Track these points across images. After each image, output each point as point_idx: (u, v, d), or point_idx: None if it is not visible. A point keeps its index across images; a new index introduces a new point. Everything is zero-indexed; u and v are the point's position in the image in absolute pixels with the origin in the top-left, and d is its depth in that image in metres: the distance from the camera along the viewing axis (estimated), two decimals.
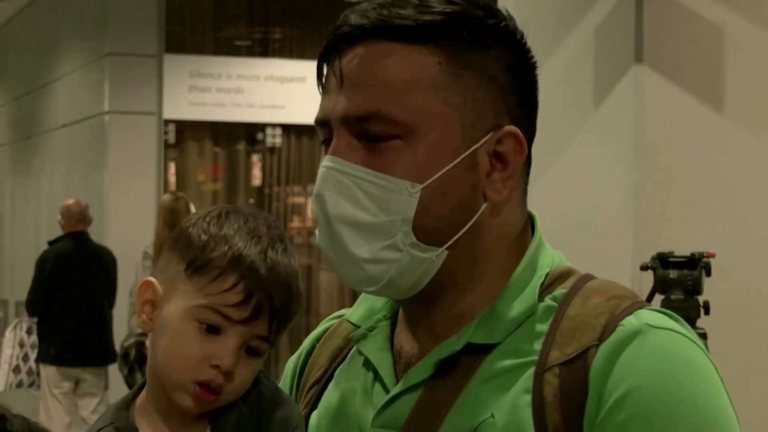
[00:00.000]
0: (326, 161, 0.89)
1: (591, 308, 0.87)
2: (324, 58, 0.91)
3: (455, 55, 0.88)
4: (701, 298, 2.55)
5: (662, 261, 2.57)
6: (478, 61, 0.89)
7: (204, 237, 0.97)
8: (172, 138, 7.51)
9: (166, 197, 4.97)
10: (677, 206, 2.92)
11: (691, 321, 2.52)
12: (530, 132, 0.93)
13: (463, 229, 0.89)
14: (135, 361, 4.80)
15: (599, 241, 2.98)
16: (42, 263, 5.32)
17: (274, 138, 7.81)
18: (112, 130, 7.06)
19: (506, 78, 0.90)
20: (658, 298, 2.55)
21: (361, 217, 0.87)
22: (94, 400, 5.32)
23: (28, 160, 9.16)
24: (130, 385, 4.86)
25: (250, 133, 7.90)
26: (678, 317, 0.88)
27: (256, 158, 7.95)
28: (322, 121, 0.91)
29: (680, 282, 2.54)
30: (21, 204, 9.04)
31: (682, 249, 2.60)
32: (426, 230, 0.88)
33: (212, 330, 0.96)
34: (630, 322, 0.85)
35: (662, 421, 0.82)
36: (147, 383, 1.01)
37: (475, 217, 0.89)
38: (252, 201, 7.99)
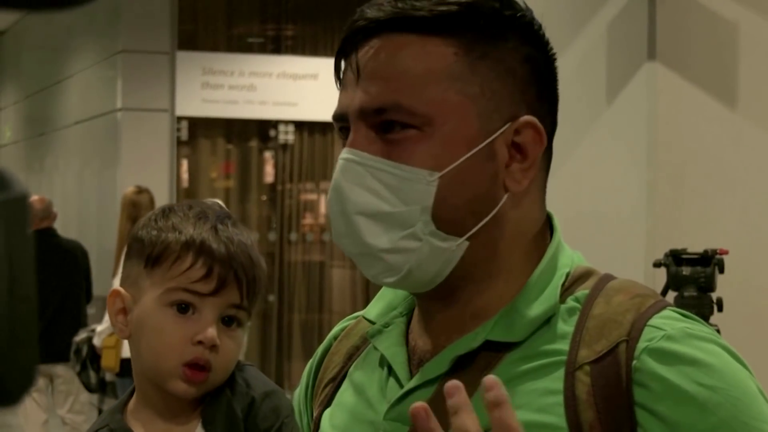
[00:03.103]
0: (344, 153, 0.89)
1: (616, 306, 0.87)
2: (341, 54, 0.91)
3: (471, 46, 0.88)
4: (714, 295, 2.55)
5: (675, 258, 2.57)
6: (495, 52, 0.89)
7: (154, 232, 1.01)
8: (184, 135, 7.53)
9: (129, 190, 4.89)
10: (690, 203, 2.91)
11: (705, 318, 2.52)
12: (551, 125, 0.92)
13: (484, 220, 0.88)
14: (87, 357, 4.70)
15: (612, 238, 2.98)
16: None
17: (287, 135, 7.83)
18: (124, 127, 7.08)
19: (524, 70, 0.90)
20: (671, 295, 2.55)
21: (379, 207, 0.87)
22: (69, 399, 5.30)
23: (41, 157, 9.21)
24: (84, 382, 4.81)
25: (263, 130, 7.91)
26: (699, 319, 0.90)
27: (268, 155, 7.97)
28: (340, 116, 0.91)
29: (693, 279, 2.54)
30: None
31: (695, 246, 2.60)
32: (445, 220, 0.87)
33: (186, 309, 0.99)
34: (664, 324, 0.86)
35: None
36: (135, 386, 1.04)
37: (497, 208, 0.88)
38: (264, 198, 8.01)
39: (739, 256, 2.73)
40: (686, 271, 2.55)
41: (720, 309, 2.54)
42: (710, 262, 2.55)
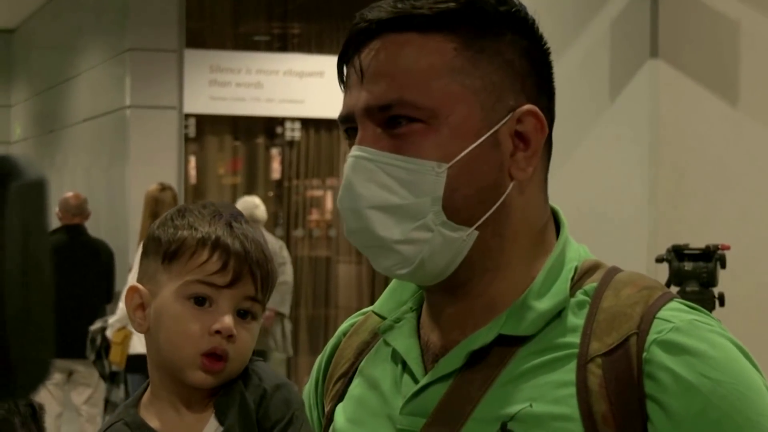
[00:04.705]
0: (354, 150, 0.90)
1: (624, 299, 0.88)
2: (343, 57, 0.93)
3: (470, 41, 0.90)
4: (716, 290, 2.55)
5: (677, 253, 2.58)
6: (493, 46, 0.91)
7: (170, 230, 1.04)
8: (192, 132, 7.58)
9: (153, 188, 4.96)
10: (692, 199, 2.93)
11: None
12: (549, 116, 0.94)
13: (492, 209, 0.90)
14: (101, 347, 4.77)
15: (615, 234, 3.00)
16: None
17: (293, 132, 7.86)
18: (133, 124, 7.12)
19: (522, 62, 0.92)
20: (674, 290, 2.57)
21: (391, 201, 0.89)
22: (87, 391, 5.34)
23: (50, 154, 9.25)
24: (99, 372, 4.84)
25: (270, 127, 7.95)
26: (706, 311, 0.91)
27: (275, 152, 8.00)
28: (346, 117, 0.92)
29: (695, 274, 2.55)
30: None
31: (697, 241, 2.61)
32: (455, 210, 0.89)
33: (203, 302, 1.02)
34: (673, 317, 0.87)
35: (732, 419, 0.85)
36: (150, 380, 1.05)
37: (504, 196, 0.90)
38: (271, 194, 8.05)
39: (741, 251, 2.74)
40: (688, 266, 2.55)
41: (722, 304, 2.55)
42: (712, 257, 2.55)
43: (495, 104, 0.90)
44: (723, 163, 2.95)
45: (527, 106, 0.91)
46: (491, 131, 0.90)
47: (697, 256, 2.57)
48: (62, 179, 8.58)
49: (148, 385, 1.06)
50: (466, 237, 0.89)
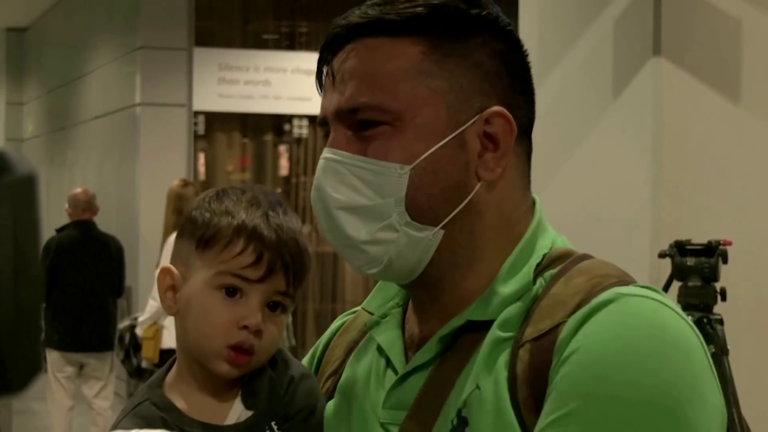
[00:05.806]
0: (324, 153, 0.93)
1: (572, 287, 0.88)
2: (320, 62, 0.96)
3: (438, 44, 0.91)
4: (718, 285, 2.55)
5: (680, 249, 2.59)
6: (462, 48, 0.92)
7: (207, 215, 1.02)
8: (201, 129, 7.63)
9: (175, 184, 5.01)
10: (694, 195, 2.95)
11: (708, 307, 2.55)
12: (527, 115, 0.95)
13: (457, 208, 0.91)
14: (129, 345, 4.80)
15: (618, 229, 3.03)
16: (44, 251, 5.27)
17: (301, 129, 7.91)
18: (143, 122, 7.18)
19: (492, 63, 0.92)
20: (676, 285, 2.60)
21: (357, 201, 0.91)
22: (99, 384, 5.38)
23: (62, 151, 9.32)
24: (128, 370, 4.87)
25: (278, 124, 8.00)
26: (660, 291, 0.87)
27: (283, 149, 8.06)
28: (323, 120, 0.95)
29: (697, 269, 2.56)
30: (55, 194, 9.20)
31: (699, 237, 2.62)
32: (419, 209, 0.91)
33: (234, 293, 1.00)
34: (602, 295, 0.85)
35: (596, 376, 0.81)
36: (177, 361, 1.04)
37: (470, 197, 0.91)
38: (279, 191, 8.10)
39: (743, 246, 2.76)
40: (690, 261, 2.55)
41: (723, 299, 2.56)
42: (714, 252, 2.55)
43: (462, 106, 0.91)
44: (725, 160, 2.97)
45: (495, 108, 0.92)
46: (456, 132, 0.91)
47: (699, 252, 2.57)
48: (73, 176, 8.65)
49: (170, 365, 1.05)
50: (432, 236, 0.91)
